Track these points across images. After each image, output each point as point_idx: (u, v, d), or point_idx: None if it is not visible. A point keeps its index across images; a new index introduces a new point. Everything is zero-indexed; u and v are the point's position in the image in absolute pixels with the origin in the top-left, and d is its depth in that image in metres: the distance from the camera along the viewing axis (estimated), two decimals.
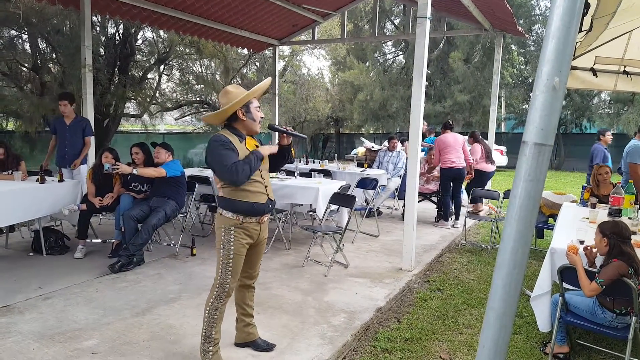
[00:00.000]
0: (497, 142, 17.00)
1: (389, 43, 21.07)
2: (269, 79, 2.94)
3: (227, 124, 2.73)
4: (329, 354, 2.96)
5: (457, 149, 6.87)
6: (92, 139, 5.74)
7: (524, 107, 19.11)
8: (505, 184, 12.09)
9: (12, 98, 9.00)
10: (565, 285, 2.85)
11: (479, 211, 7.32)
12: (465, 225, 6.28)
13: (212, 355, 2.67)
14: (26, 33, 8.85)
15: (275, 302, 3.82)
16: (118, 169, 4.55)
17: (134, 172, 4.62)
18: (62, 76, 8.95)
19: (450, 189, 6.96)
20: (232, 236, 2.63)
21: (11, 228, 5.47)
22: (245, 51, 10.66)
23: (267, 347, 2.99)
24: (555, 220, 4.63)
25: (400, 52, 20.96)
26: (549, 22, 0.78)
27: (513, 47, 17.68)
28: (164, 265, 4.73)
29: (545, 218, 5.72)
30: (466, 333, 3.43)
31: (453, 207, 7.08)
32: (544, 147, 0.81)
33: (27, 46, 9.23)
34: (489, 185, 8.57)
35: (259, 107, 2.80)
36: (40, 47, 9.25)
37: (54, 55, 9.38)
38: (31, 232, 5.32)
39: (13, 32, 8.90)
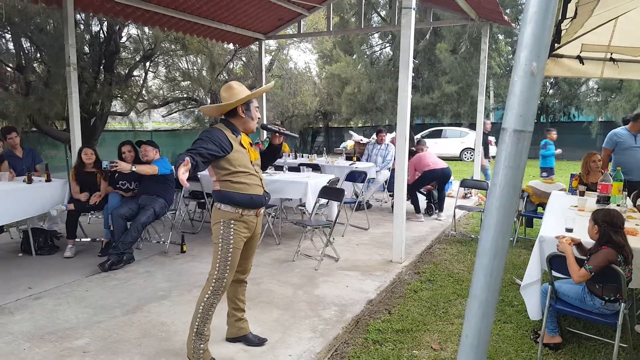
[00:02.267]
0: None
1: (376, 35, 21.02)
2: (272, 83, 2.97)
3: (224, 119, 2.75)
4: (320, 347, 2.99)
5: (434, 157, 7.15)
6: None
7: None
8: None
9: None
10: (554, 273, 2.89)
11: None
12: (454, 216, 6.34)
13: (203, 352, 2.68)
14: (9, 32, 8.69)
15: (266, 297, 3.85)
16: (117, 166, 4.52)
17: (133, 169, 4.60)
18: (47, 75, 8.82)
19: (421, 187, 7.15)
20: (232, 230, 2.64)
21: (0, 229, 5.41)
22: (232, 46, 10.56)
23: (259, 341, 3.01)
24: (544, 209, 4.69)
25: (388, 44, 20.94)
26: (525, 6, 0.78)
27: (500, 36, 17.74)
28: (154, 262, 4.73)
29: (534, 207, 5.80)
30: (457, 323, 3.48)
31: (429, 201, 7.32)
32: (523, 133, 0.82)
33: (10, 46, 9.08)
34: (477, 176, 8.68)
35: (258, 107, 2.84)
36: (24, 46, 9.10)
37: (38, 55, 9.23)
38: (20, 232, 5.28)
39: None
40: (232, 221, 2.65)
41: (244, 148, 2.73)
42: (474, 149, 9.23)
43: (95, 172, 5.10)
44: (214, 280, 2.65)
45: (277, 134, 2.93)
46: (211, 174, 2.71)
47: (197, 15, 7.58)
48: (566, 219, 3.30)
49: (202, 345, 2.67)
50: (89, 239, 5.37)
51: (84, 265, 4.60)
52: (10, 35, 8.80)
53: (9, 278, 4.24)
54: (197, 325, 2.66)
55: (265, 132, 9.30)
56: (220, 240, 2.64)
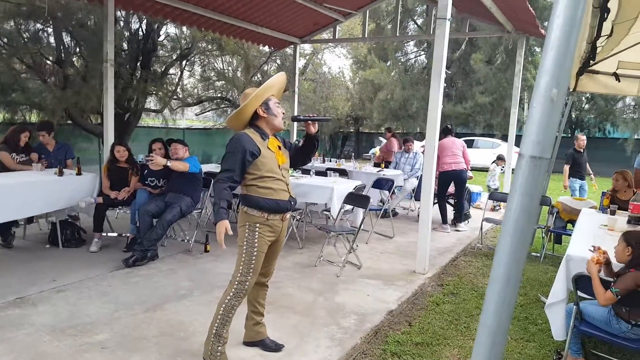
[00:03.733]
0: (518, 144, 16.72)
1: (411, 43, 20.88)
2: (283, 73, 2.91)
3: (251, 124, 2.73)
4: (336, 357, 2.92)
5: (455, 152, 6.78)
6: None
7: None
8: None
9: (35, 91, 9.17)
10: (580, 294, 2.76)
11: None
12: (482, 228, 6.16)
13: (221, 355, 2.65)
14: (51, 27, 8.99)
15: (286, 301, 3.80)
16: (152, 160, 4.58)
17: (168, 164, 4.67)
18: (85, 70, 9.08)
19: (446, 193, 6.95)
20: (257, 233, 2.63)
21: (29, 220, 5.54)
22: (267, 48, 10.63)
23: (276, 347, 2.96)
24: (574, 226, 4.54)
25: (422, 52, 20.75)
26: (548, 32, 0.73)
27: (537, 49, 17.32)
28: (178, 260, 4.76)
29: (563, 224, 5.59)
30: None
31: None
32: (540, 160, 0.76)
33: (51, 40, 9.38)
34: (508, 189, 8.41)
35: (278, 103, 2.79)
36: (65, 40, 9.39)
37: (78, 49, 9.51)
38: (49, 224, 5.40)
39: (38, 25, 9.06)
40: (258, 225, 2.63)
41: (272, 152, 2.71)
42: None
43: (127, 168, 5.18)
44: (236, 283, 2.63)
45: (311, 122, 2.86)
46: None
47: (234, 17, 7.67)
48: (595, 237, 3.16)
49: (219, 348, 2.64)
50: (115, 234, 5.45)
51: (109, 260, 4.66)
52: (51, 30, 9.08)
53: (34, 269, 4.32)
54: (217, 327, 2.64)
55: (294, 134, 9.32)
56: (245, 243, 2.63)
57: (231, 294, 2.63)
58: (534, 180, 0.76)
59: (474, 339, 3.19)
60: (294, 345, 3.05)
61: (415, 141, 8.59)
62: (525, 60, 16.06)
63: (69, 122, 9.70)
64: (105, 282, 4.05)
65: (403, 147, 8.00)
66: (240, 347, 2.99)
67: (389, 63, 20.05)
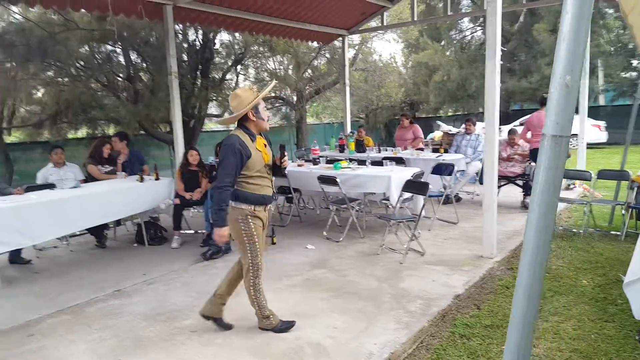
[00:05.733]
0: (595, 116, 15.61)
1: (466, 19, 20.08)
2: (274, 82, 3.25)
3: (239, 124, 3.04)
4: (405, 338, 3.05)
5: (540, 126, 6.54)
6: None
7: (625, 76, 17.33)
8: (603, 162, 11.05)
9: (111, 106, 10.01)
10: None
11: None
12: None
13: (273, 318, 3.15)
14: (120, 47, 9.76)
15: (350, 287, 3.97)
16: None
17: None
18: (152, 84, 9.78)
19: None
20: (250, 222, 3.00)
21: (118, 222, 6.18)
22: (315, 44, 10.81)
23: (229, 326, 3.28)
24: None
25: (479, 28, 19.88)
26: (560, 26, 0.82)
27: (609, 10, 16.01)
28: None
29: None
30: (552, 320, 3.32)
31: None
32: (560, 138, 0.86)
33: (121, 58, 10.19)
34: (582, 165, 7.99)
35: (265, 106, 3.13)
36: (132, 58, 10.16)
37: (144, 65, 10.25)
38: (134, 225, 5.98)
39: (109, 47, 9.89)
40: (248, 216, 3.00)
41: (259, 151, 3.02)
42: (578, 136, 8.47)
43: (197, 171, 5.61)
44: (251, 267, 3.03)
45: (280, 158, 3.20)
46: None
47: (282, 18, 7.90)
48: None
49: (271, 317, 3.16)
50: (192, 231, 5.92)
51: (188, 254, 5.10)
52: (120, 49, 9.86)
53: (126, 265, 4.88)
54: (258, 307, 3.13)
55: (348, 126, 9.44)
56: (244, 233, 3.00)
57: (252, 277, 3.06)
58: (556, 156, 0.86)
59: (547, 320, 3.24)
60: (361, 328, 3.22)
61: (478, 122, 8.31)
62: (596, 25, 14.96)
63: (142, 132, 10.49)
64: (187, 274, 4.47)
65: (464, 129, 7.83)
66: (312, 328, 3.21)
67: (443, 43, 19.39)
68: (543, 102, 6.73)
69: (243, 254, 3.07)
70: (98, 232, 5.64)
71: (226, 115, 3.09)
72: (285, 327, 3.21)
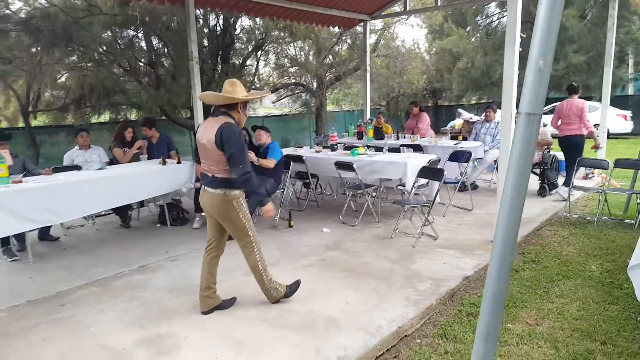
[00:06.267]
0: (622, 106, 15.25)
1: (492, 4, 19.64)
2: (268, 91, 3.36)
3: (225, 112, 3.12)
4: (413, 314, 3.18)
5: (569, 115, 6.58)
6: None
7: None
8: (626, 152, 10.84)
9: (133, 91, 10.24)
10: None
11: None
12: (569, 197, 5.95)
13: (280, 287, 3.38)
14: (142, 32, 9.95)
15: (364, 268, 4.11)
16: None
17: (257, 162, 5.28)
18: (174, 69, 9.97)
19: (566, 157, 6.79)
20: (243, 204, 3.21)
21: (141, 204, 6.43)
22: (337, 29, 10.81)
23: (230, 301, 3.44)
24: None
25: (507, 13, 19.44)
26: (536, 16, 0.92)
27: None
28: (266, 235, 5.26)
29: None
30: (557, 302, 3.40)
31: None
32: (533, 116, 0.97)
33: (143, 44, 10.39)
34: (602, 154, 7.91)
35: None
36: (154, 43, 10.34)
37: (166, 50, 10.43)
38: (157, 207, 6.22)
39: (131, 32, 10.08)
40: (240, 199, 3.19)
41: None
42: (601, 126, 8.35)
43: None
44: (254, 243, 3.26)
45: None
46: (218, 164, 3.10)
47: (303, 3, 7.93)
48: None
49: (275, 285, 3.37)
50: None
51: None
52: (142, 34, 10.05)
53: (150, 244, 5.11)
54: (266, 279, 3.32)
55: (368, 113, 9.48)
56: (241, 215, 3.19)
57: (257, 252, 3.28)
58: (528, 130, 0.98)
59: (552, 302, 3.34)
60: (373, 304, 3.36)
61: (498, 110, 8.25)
62: (625, 11, 14.46)
63: (163, 117, 10.73)
64: None
65: (483, 116, 7.81)
66: (324, 303, 3.37)
67: (468, 29, 19.03)
68: (573, 90, 6.69)
69: (242, 235, 3.25)
70: (122, 212, 5.89)
71: (225, 89, 3.12)
72: (292, 289, 3.45)
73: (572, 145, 6.55)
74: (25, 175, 4.60)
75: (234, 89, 3.12)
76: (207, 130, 3.09)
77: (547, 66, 0.96)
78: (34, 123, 11.52)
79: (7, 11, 8.80)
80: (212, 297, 3.37)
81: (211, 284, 3.38)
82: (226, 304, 3.42)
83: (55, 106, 10.78)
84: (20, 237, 4.92)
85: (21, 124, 11.57)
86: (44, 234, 5.37)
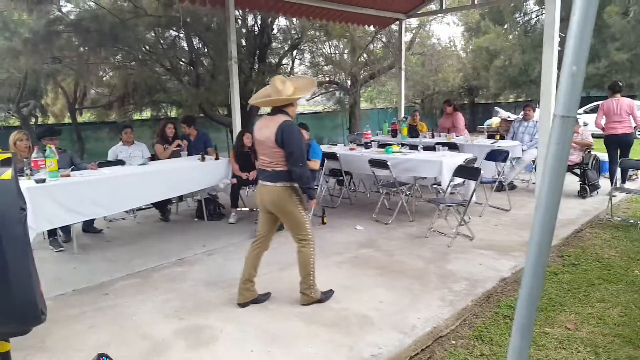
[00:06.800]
0: None
1: (531, 1, 19.14)
2: (314, 80, 3.46)
3: (285, 111, 3.23)
4: (448, 315, 3.17)
5: (619, 113, 6.46)
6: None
7: None
8: None
9: (174, 89, 10.58)
10: None
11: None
12: (611, 199, 5.74)
13: (316, 290, 3.39)
14: (183, 32, 10.26)
15: (397, 267, 4.11)
16: None
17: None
18: (213, 68, 10.23)
19: (614, 156, 6.67)
20: (302, 198, 3.29)
21: (180, 198, 6.64)
22: (372, 28, 10.79)
23: (265, 295, 3.51)
24: None
25: (544, 12, 18.92)
26: (569, 25, 0.98)
27: None
28: None
29: None
30: (598, 307, 3.30)
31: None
32: (567, 118, 1.04)
33: (184, 44, 10.70)
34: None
35: None
36: (194, 43, 10.64)
37: (205, 50, 10.71)
38: (195, 201, 6.41)
39: (173, 32, 10.41)
40: (300, 191, 3.26)
41: None
42: None
43: (250, 153, 5.88)
44: (310, 236, 3.31)
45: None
46: (278, 158, 3.18)
47: (339, 3, 7.97)
48: None
49: (317, 290, 3.39)
50: (247, 209, 6.27)
51: (245, 230, 5.44)
52: (183, 35, 10.35)
53: (188, 238, 5.28)
54: (312, 276, 3.34)
55: (402, 111, 9.42)
56: (300, 208, 3.26)
57: (312, 248, 3.31)
58: (563, 133, 1.05)
59: (592, 306, 3.27)
60: (406, 303, 3.36)
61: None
62: None
63: (202, 115, 11.03)
64: (244, 248, 4.71)
65: (522, 115, 7.63)
66: (357, 302, 3.39)
67: (505, 26, 18.65)
68: (618, 89, 6.52)
69: (300, 227, 3.31)
70: (162, 206, 6.09)
71: (276, 88, 3.15)
72: (327, 296, 3.46)
73: (625, 143, 6.45)
74: (72, 170, 4.80)
75: (285, 87, 3.19)
76: (265, 128, 3.20)
77: (581, 71, 1.03)
78: (79, 119, 12.07)
79: (59, 13, 9.25)
80: (251, 289, 3.46)
81: (252, 278, 3.46)
82: (261, 299, 3.50)
83: (100, 103, 11.28)
84: (66, 229, 5.15)
85: (67, 120, 12.16)
86: (88, 226, 5.60)
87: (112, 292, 3.82)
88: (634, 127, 6.68)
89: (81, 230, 5.59)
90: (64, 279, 4.13)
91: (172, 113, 11.55)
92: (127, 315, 3.37)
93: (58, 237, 5.11)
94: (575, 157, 6.87)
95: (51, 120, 12.86)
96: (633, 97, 16.23)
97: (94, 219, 5.51)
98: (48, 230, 4.92)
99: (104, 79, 11.13)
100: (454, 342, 2.91)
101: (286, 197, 3.22)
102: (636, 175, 7.63)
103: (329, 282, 3.65)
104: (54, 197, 4.10)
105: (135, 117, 11.64)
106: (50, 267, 4.50)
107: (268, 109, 3.44)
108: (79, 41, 9.20)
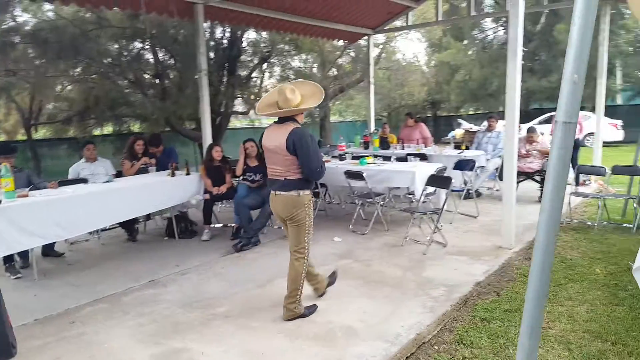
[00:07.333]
0: (612, 115, 15.59)
1: (488, 19, 20.02)
2: (321, 88, 3.37)
3: (293, 118, 3.23)
4: (429, 321, 3.21)
5: None
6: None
7: None
8: (618, 160, 10.92)
9: (138, 103, 10.24)
10: None
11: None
12: (569, 203, 6.01)
13: (300, 305, 3.35)
14: (149, 44, 10.03)
15: (376, 276, 4.14)
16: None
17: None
18: (180, 81, 10.05)
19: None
20: (311, 209, 3.29)
21: (147, 217, 6.34)
22: (341, 42, 10.95)
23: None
24: None
25: (501, 27, 19.80)
26: (570, 34, 1.03)
27: (628, 11, 15.78)
28: (278, 245, 5.27)
29: None
30: (567, 305, 3.47)
31: None
32: (569, 124, 1.08)
33: (149, 56, 10.43)
34: (598, 161, 8.05)
35: None
36: (160, 55, 10.42)
37: (172, 62, 10.51)
38: (164, 219, 6.18)
39: (137, 44, 10.13)
40: (310, 201, 3.27)
41: None
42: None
43: (220, 166, 5.79)
44: (306, 250, 3.31)
45: None
46: (290, 167, 3.18)
47: (309, 17, 8.06)
48: None
49: (301, 304, 3.36)
50: (221, 225, 6.13)
51: (219, 247, 5.31)
52: (149, 47, 10.12)
53: (159, 257, 5.01)
54: (299, 292, 3.31)
55: (372, 124, 9.56)
56: (308, 218, 3.26)
57: (305, 263, 3.31)
58: (565, 137, 1.09)
59: (562, 305, 3.40)
60: (389, 311, 3.39)
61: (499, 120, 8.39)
62: (614, 25, 14.79)
63: (168, 129, 10.79)
64: (219, 265, 4.67)
65: (486, 126, 7.91)
66: (342, 313, 3.38)
67: (465, 42, 19.42)
68: None
69: (300, 238, 3.30)
70: (129, 225, 5.75)
71: (286, 98, 3.14)
72: (311, 311, 3.41)
73: (574, 148, 6.72)
74: (31, 189, 4.48)
75: (295, 96, 3.18)
76: (275, 137, 3.18)
77: (581, 79, 1.07)
78: (35, 136, 11.51)
79: (13, 23, 8.81)
80: (320, 280, 3.64)
81: (311, 279, 3.56)
82: (311, 311, 3.44)
83: (58, 119, 10.73)
84: (24, 254, 4.70)
85: (21, 137, 11.56)
86: (49, 249, 5.19)
87: (79, 319, 3.53)
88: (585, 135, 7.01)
89: (41, 254, 5.15)
90: (24, 308, 3.73)
91: (136, 128, 11.24)
92: (97, 344, 3.12)
93: (15, 262, 4.69)
94: (535, 164, 7.16)
95: (3, 138, 12.24)
96: (582, 108, 17.15)
97: (54, 242, 5.09)
98: (4, 257, 4.45)
99: (63, 92, 10.60)
100: (436, 347, 2.95)
101: (298, 205, 3.21)
102: (589, 180, 8.07)
103: (311, 294, 3.64)
104: (11, 219, 3.75)
105: (96, 132, 11.15)
106: (9, 295, 4.03)
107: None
108: (36, 53, 8.83)
